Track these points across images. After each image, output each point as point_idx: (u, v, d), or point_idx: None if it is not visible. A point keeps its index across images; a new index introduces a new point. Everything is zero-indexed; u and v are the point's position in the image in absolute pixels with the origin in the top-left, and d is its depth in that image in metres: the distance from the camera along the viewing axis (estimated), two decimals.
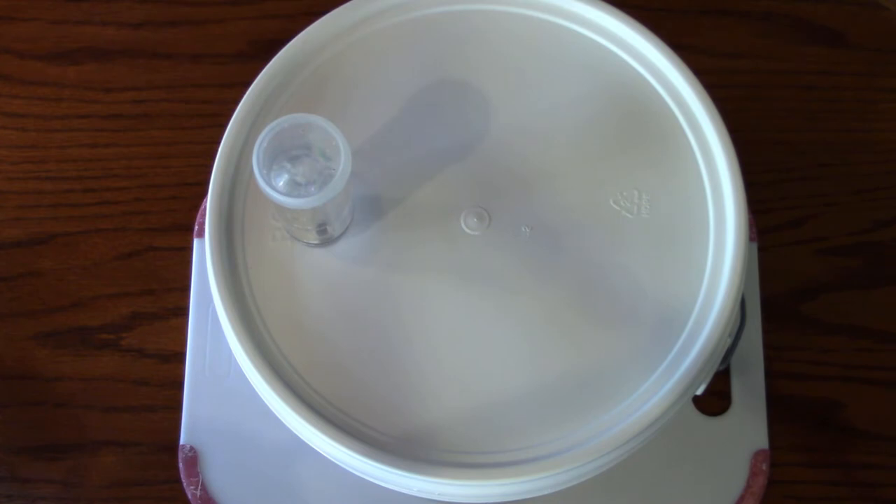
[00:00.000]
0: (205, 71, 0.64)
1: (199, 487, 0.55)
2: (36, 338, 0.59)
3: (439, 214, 0.49)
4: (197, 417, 0.57)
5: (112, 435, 0.58)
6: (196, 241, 0.60)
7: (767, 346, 0.58)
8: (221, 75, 0.64)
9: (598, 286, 0.48)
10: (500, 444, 0.45)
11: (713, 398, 0.57)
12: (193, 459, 0.56)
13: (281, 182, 0.45)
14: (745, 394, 0.57)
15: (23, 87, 0.64)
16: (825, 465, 0.58)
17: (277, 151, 0.44)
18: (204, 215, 0.53)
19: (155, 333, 0.59)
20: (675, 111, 0.50)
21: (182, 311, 0.59)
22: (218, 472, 0.56)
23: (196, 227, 0.60)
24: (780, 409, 0.58)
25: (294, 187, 0.45)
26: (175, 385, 0.58)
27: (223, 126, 0.49)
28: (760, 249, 0.60)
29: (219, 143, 0.49)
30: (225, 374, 0.57)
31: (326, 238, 0.48)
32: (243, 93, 0.50)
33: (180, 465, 0.56)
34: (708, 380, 0.48)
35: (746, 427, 0.57)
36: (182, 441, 0.56)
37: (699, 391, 0.48)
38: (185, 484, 0.56)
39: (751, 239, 0.56)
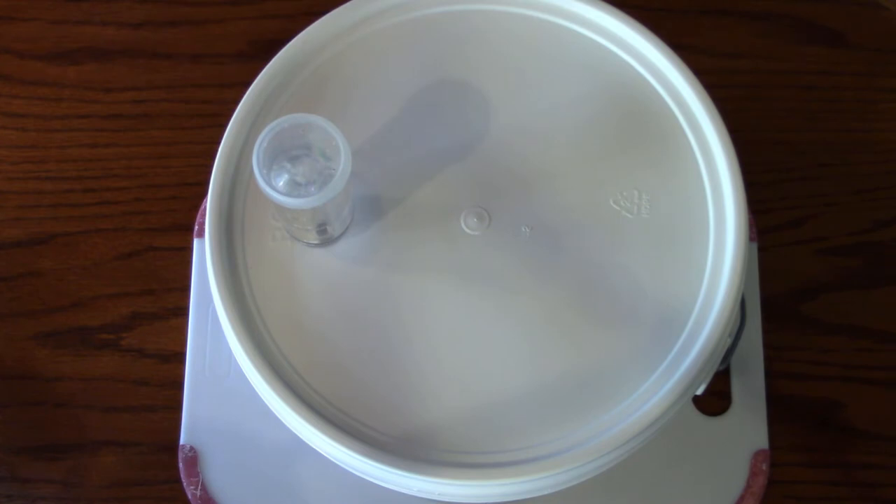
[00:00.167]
0: (205, 71, 0.64)
1: (199, 487, 0.55)
2: (36, 338, 0.59)
3: (439, 214, 0.49)
4: (197, 417, 0.57)
5: (112, 435, 0.58)
6: (196, 241, 0.60)
7: (767, 346, 0.58)
8: (221, 75, 0.64)
9: (598, 286, 0.48)
10: (500, 444, 0.45)
11: (713, 398, 0.57)
12: (193, 459, 0.56)
13: (281, 182, 0.45)
14: (745, 394, 0.57)
15: (23, 87, 0.64)
16: (825, 465, 0.58)
17: (277, 151, 0.44)
18: (204, 215, 0.53)
19: (155, 333, 0.59)
20: (675, 111, 0.50)
21: (182, 311, 0.59)
22: (218, 472, 0.56)
23: (196, 227, 0.60)
24: (780, 409, 0.58)
25: (294, 187, 0.45)
26: (175, 385, 0.58)
27: (223, 126, 0.49)
28: (760, 249, 0.60)
29: (219, 143, 0.49)
30: (225, 374, 0.57)
31: (326, 238, 0.48)
32: (243, 93, 0.50)
33: (180, 465, 0.56)
34: (708, 380, 0.48)
35: (746, 427, 0.57)
36: (182, 441, 0.56)
37: (699, 391, 0.48)
38: (185, 484, 0.56)
39: (751, 239, 0.56)
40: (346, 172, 0.43)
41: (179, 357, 0.58)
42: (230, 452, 0.56)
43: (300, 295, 0.48)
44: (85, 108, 0.63)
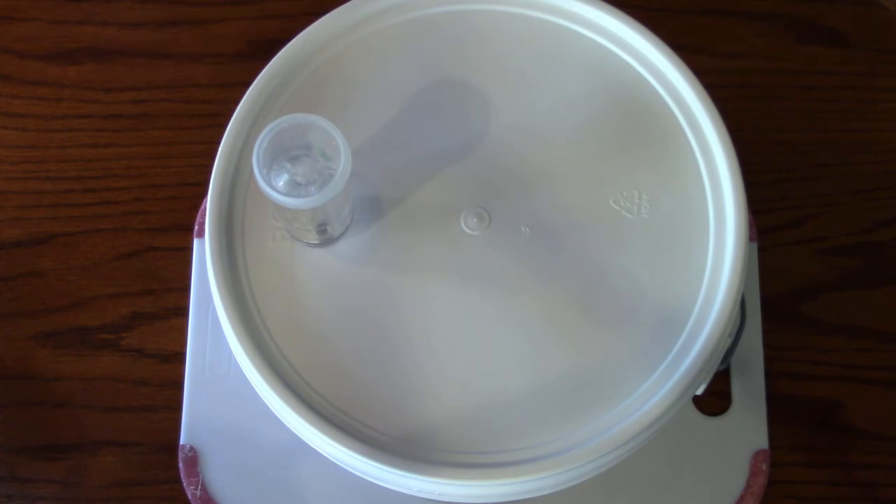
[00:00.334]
0: (205, 71, 0.64)
1: (199, 487, 0.55)
2: (36, 338, 0.59)
3: (439, 214, 0.49)
4: (197, 417, 0.57)
5: (112, 435, 0.58)
6: (196, 241, 0.60)
7: (767, 346, 0.58)
8: (221, 75, 0.64)
9: (598, 286, 0.48)
10: (500, 444, 0.45)
11: (713, 398, 0.57)
12: (193, 459, 0.56)
13: (281, 182, 0.45)
14: (745, 394, 0.57)
15: (23, 87, 0.64)
16: (825, 465, 0.58)
17: (277, 151, 0.44)
18: (204, 215, 0.53)
19: (155, 333, 0.59)
20: (675, 111, 0.50)
21: (182, 311, 0.59)
22: (218, 472, 0.56)
23: (196, 227, 0.60)
24: (780, 409, 0.58)
25: (294, 187, 0.45)
26: (175, 385, 0.58)
27: (223, 126, 0.49)
28: (760, 249, 0.60)
29: (219, 143, 0.49)
30: (225, 374, 0.57)
31: (326, 238, 0.48)
32: (243, 93, 0.50)
33: (180, 465, 0.56)
34: (708, 380, 0.48)
35: (746, 427, 0.57)
36: (182, 441, 0.56)
37: (699, 391, 0.48)
38: (185, 484, 0.56)
39: (751, 239, 0.56)
40: (346, 172, 0.43)
41: (179, 357, 0.58)
42: (230, 452, 0.56)
43: (300, 295, 0.48)
44: (85, 108, 0.63)
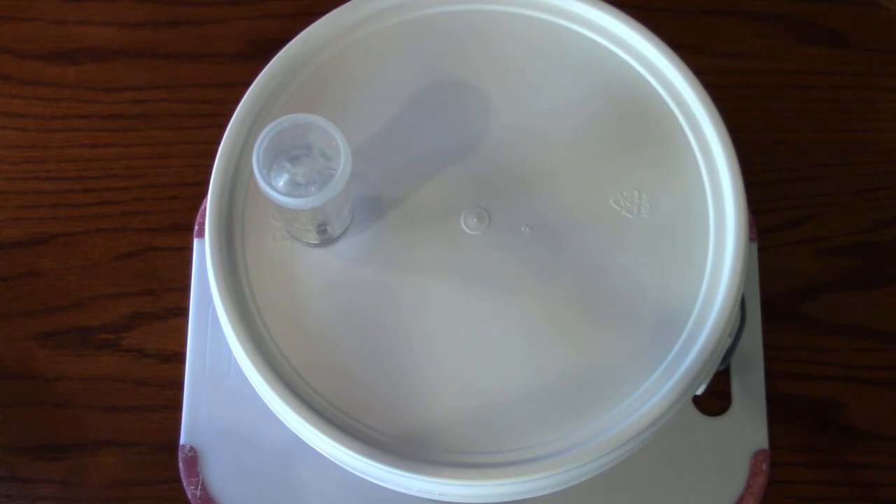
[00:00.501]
0: (205, 71, 0.64)
1: (199, 487, 0.55)
2: (36, 338, 0.59)
3: (439, 214, 0.49)
4: (197, 417, 0.57)
5: (112, 435, 0.58)
6: (196, 241, 0.60)
7: (767, 346, 0.58)
8: (221, 75, 0.64)
9: (598, 286, 0.48)
10: (500, 444, 0.45)
11: (713, 398, 0.57)
12: (193, 459, 0.56)
13: (281, 182, 0.45)
14: (745, 394, 0.57)
15: (23, 87, 0.64)
16: (825, 465, 0.58)
17: (277, 151, 0.44)
18: (204, 215, 0.53)
19: (155, 333, 0.59)
20: (675, 111, 0.50)
21: (182, 311, 0.59)
22: (218, 472, 0.56)
23: (196, 227, 0.60)
24: (780, 409, 0.58)
25: (294, 187, 0.45)
26: (175, 385, 0.58)
27: (223, 126, 0.49)
28: (760, 249, 0.60)
29: (219, 143, 0.49)
30: (225, 374, 0.57)
31: (326, 238, 0.48)
32: (243, 93, 0.50)
33: (180, 465, 0.56)
34: (708, 380, 0.48)
35: (746, 427, 0.57)
36: (182, 441, 0.56)
37: (699, 391, 0.48)
38: (185, 484, 0.56)
39: (751, 239, 0.56)
40: (346, 172, 0.43)
41: (179, 357, 0.58)
42: (230, 452, 0.56)
43: (300, 295, 0.48)
44: (85, 108, 0.63)
